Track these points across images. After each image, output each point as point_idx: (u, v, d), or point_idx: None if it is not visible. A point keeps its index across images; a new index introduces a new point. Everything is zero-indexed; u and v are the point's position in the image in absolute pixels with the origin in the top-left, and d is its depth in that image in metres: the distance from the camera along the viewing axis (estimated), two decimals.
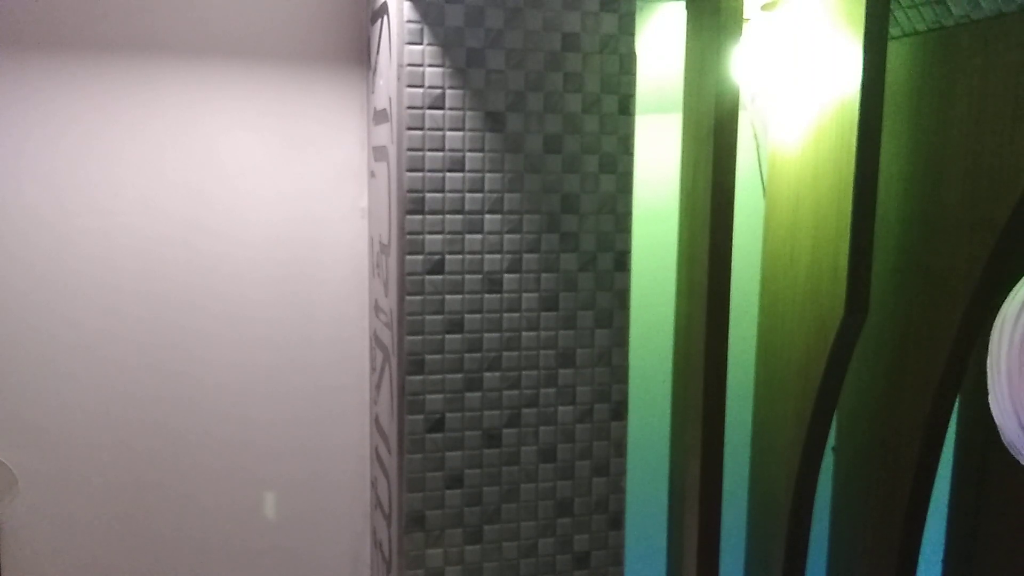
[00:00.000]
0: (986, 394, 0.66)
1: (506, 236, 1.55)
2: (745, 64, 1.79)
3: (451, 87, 1.49)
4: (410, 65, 1.47)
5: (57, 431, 1.78)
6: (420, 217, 1.50)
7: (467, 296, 1.54)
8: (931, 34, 1.76)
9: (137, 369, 1.81)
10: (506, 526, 1.62)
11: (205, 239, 1.81)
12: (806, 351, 1.82)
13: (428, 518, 1.58)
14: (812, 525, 1.92)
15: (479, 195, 1.52)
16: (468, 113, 1.50)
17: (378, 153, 1.71)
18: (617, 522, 1.67)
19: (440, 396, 1.55)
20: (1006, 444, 0.65)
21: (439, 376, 1.55)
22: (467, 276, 1.54)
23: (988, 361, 0.66)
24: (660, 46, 1.92)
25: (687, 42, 1.79)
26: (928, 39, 1.77)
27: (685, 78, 1.81)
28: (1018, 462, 0.65)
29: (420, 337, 1.53)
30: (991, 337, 0.65)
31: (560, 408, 1.61)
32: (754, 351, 2.05)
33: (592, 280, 1.59)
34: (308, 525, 1.95)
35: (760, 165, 2.06)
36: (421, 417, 1.55)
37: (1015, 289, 0.66)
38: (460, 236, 1.53)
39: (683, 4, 1.78)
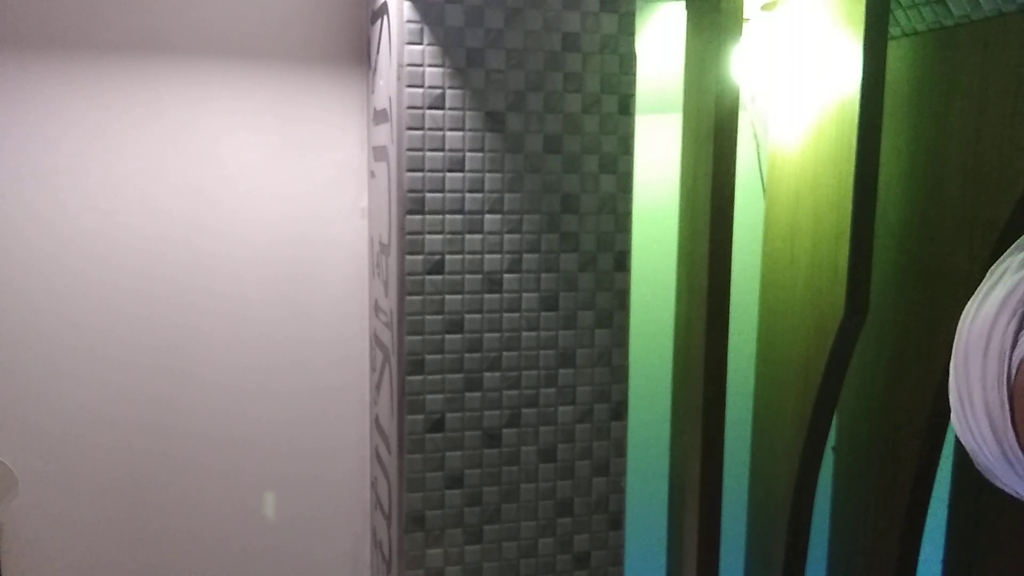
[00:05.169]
0: None
1: (506, 236, 1.55)
2: (745, 64, 1.79)
3: (451, 87, 1.49)
4: (410, 65, 1.47)
5: (57, 431, 1.78)
6: (420, 217, 1.50)
7: (467, 296, 1.54)
8: (931, 34, 1.76)
9: (137, 369, 1.81)
10: (506, 526, 1.62)
11: (205, 239, 1.81)
12: (806, 351, 1.82)
13: (428, 518, 1.58)
14: (812, 525, 1.92)
15: (479, 195, 1.52)
16: (468, 113, 1.50)
17: (378, 153, 1.71)
18: (617, 522, 1.67)
19: (440, 396, 1.55)
20: (979, 468, 0.57)
21: (439, 376, 1.55)
22: (467, 276, 1.54)
23: (952, 381, 0.56)
24: (660, 46, 1.92)
25: (687, 42, 1.79)
26: (928, 39, 1.77)
27: (685, 78, 1.81)
28: None
29: (420, 337, 1.53)
30: (954, 352, 0.55)
31: (560, 408, 1.61)
32: (754, 351, 2.05)
33: (592, 280, 1.59)
34: (308, 525, 1.95)
35: (760, 165, 2.06)
36: (421, 417, 1.55)
37: (971, 304, 0.53)
38: (460, 236, 1.53)
39: (683, 4, 1.78)
